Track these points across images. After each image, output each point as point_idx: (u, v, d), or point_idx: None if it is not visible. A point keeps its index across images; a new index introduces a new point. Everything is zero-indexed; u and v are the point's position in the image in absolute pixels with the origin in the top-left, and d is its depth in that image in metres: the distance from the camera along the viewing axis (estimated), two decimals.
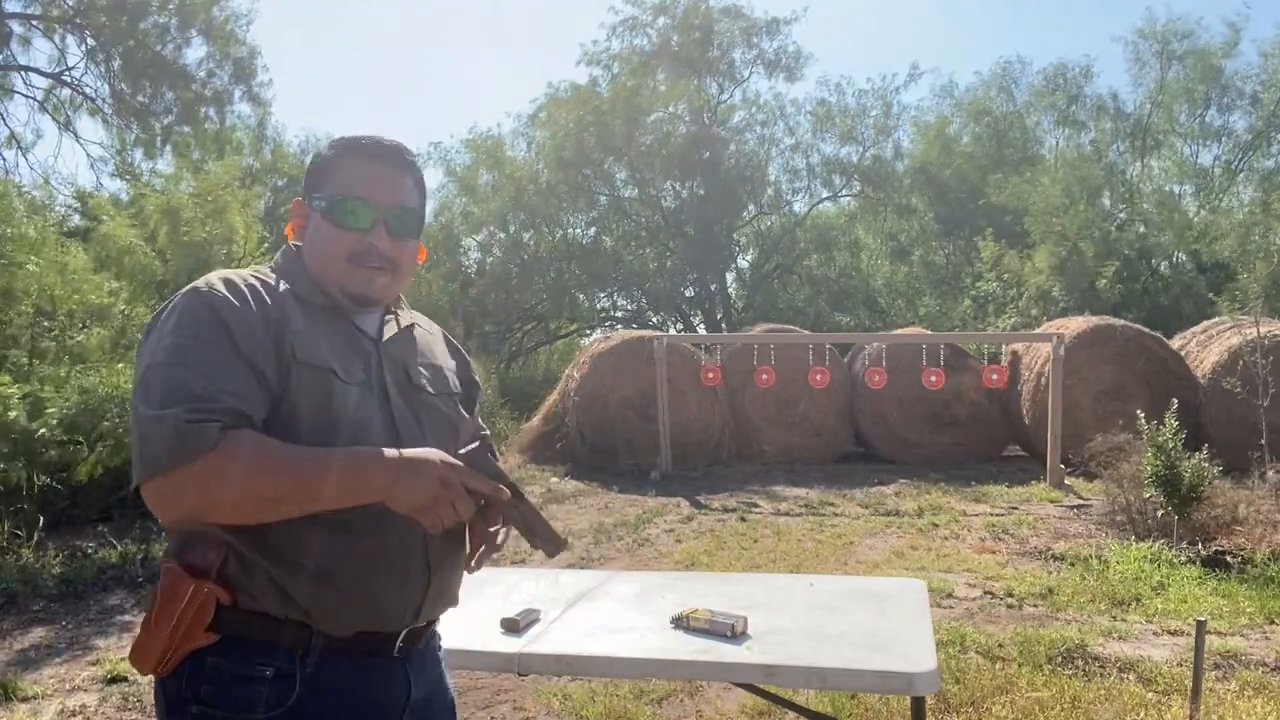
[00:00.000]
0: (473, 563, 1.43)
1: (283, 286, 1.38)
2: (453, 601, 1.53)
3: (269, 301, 1.32)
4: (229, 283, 1.31)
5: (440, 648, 1.60)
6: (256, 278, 1.36)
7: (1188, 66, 20.15)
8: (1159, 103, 20.64)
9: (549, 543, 1.40)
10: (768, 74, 22.77)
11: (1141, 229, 17.48)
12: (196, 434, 1.17)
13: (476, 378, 1.71)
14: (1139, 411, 6.35)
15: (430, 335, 1.61)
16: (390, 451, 1.26)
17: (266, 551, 1.29)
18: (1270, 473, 6.62)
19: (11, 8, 14.69)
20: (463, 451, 1.30)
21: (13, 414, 6.33)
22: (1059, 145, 22.95)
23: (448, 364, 1.60)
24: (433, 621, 1.51)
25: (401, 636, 1.41)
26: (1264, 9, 25.45)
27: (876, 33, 46.65)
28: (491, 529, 1.40)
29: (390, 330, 1.48)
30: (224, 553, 1.30)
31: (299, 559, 1.30)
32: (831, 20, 44.23)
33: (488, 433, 1.72)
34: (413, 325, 1.54)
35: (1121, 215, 18.02)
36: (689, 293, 22.83)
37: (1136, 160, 20.93)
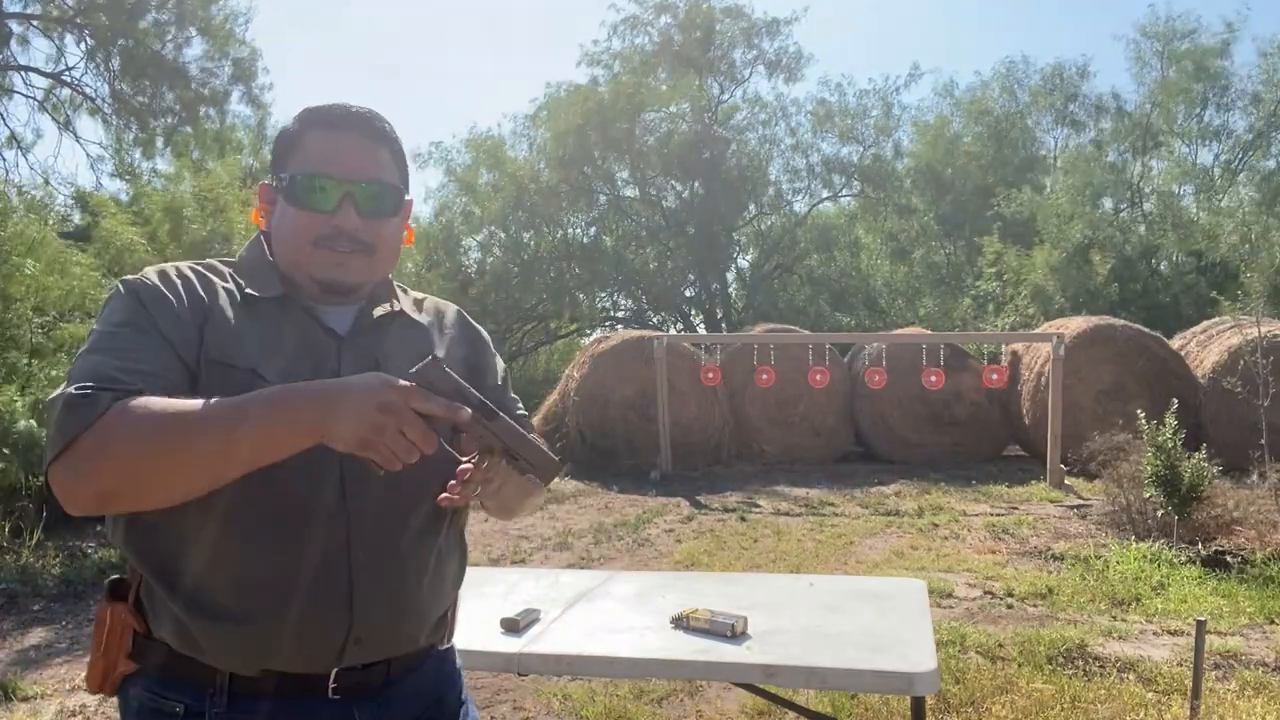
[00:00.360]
0: (443, 496, 1.16)
1: (227, 278, 1.28)
2: (410, 639, 1.31)
3: (201, 290, 1.23)
4: (161, 272, 1.23)
5: (448, 675, 1.42)
6: (196, 269, 1.27)
7: (1188, 66, 20.14)
8: (1158, 102, 20.64)
9: (539, 466, 1.17)
10: (768, 74, 22.83)
11: (1143, 229, 17.49)
12: (85, 403, 1.06)
13: (496, 362, 1.51)
14: (1139, 411, 6.35)
15: (428, 323, 1.42)
16: (314, 382, 1.10)
17: (161, 575, 1.18)
18: (1271, 473, 6.62)
19: (11, 8, 14.69)
20: (412, 371, 1.10)
21: (20, 424, 6.35)
22: (1057, 145, 23.01)
23: (452, 353, 1.40)
24: (391, 659, 1.29)
25: (334, 677, 1.23)
26: (1264, 8, 25.43)
27: (877, 33, 46.71)
28: (465, 459, 1.15)
29: (364, 323, 1.31)
30: (139, 575, 1.22)
31: (187, 586, 1.18)
32: (831, 20, 44.31)
33: (523, 411, 1.52)
34: (400, 313, 1.37)
35: (1124, 215, 18.03)
36: (689, 293, 22.84)
37: (1137, 160, 20.94)
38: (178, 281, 1.22)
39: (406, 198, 1.35)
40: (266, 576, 1.18)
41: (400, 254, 1.40)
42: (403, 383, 1.06)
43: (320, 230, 1.25)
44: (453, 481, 1.15)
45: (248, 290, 1.26)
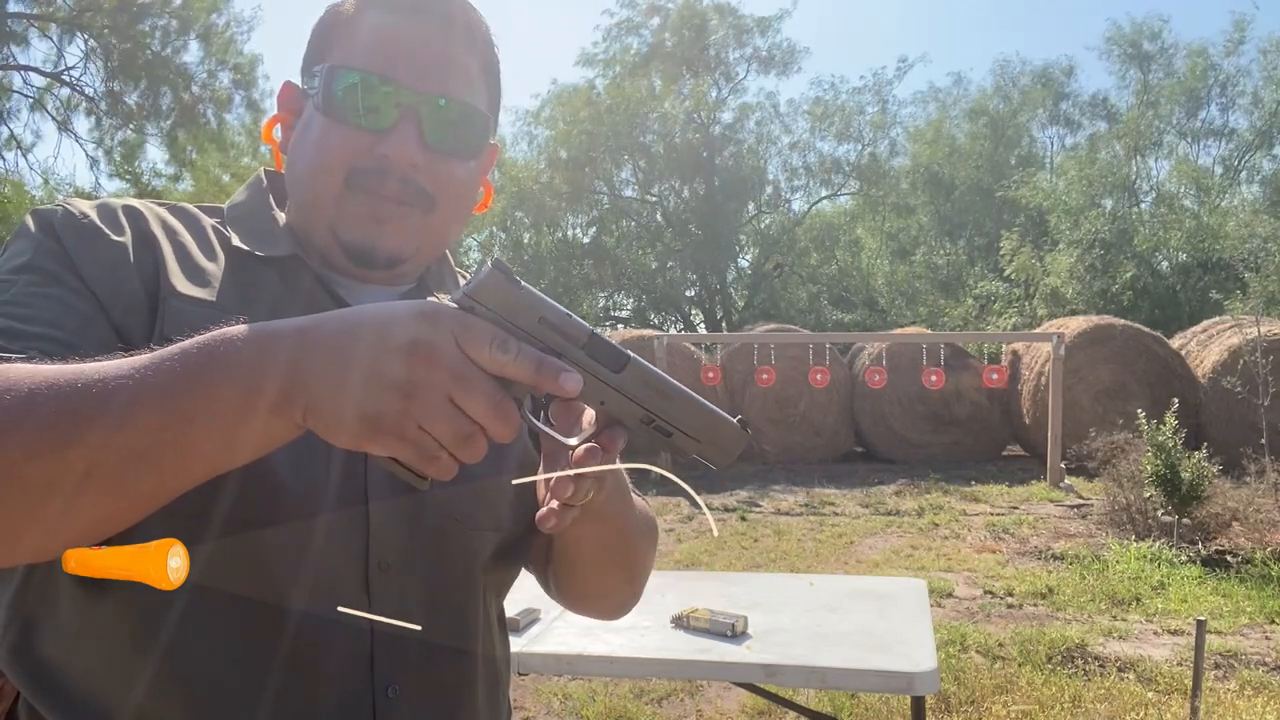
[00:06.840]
0: (543, 512, 0.69)
1: (207, 228, 0.86)
2: None
3: (163, 235, 0.81)
4: (101, 205, 0.81)
5: None
6: (158, 206, 0.86)
7: (1187, 66, 20.16)
8: (1157, 103, 20.66)
9: (712, 437, 0.69)
10: (763, 71, 22.89)
11: (1144, 230, 17.52)
12: None
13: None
14: (1139, 411, 6.35)
15: None
16: (283, 321, 0.61)
17: (53, 707, 0.73)
18: (1271, 473, 6.62)
19: (12, 8, 14.72)
20: (463, 288, 0.62)
21: None
22: (1053, 145, 23.05)
23: None
24: None
25: None
26: (1265, 8, 25.46)
27: (867, 34, 46.81)
28: (574, 440, 0.68)
29: None
30: (13, 696, 0.78)
31: None
32: (825, 20, 44.44)
33: None
34: None
35: (1122, 214, 18.06)
36: (689, 292, 22.87)
37: (1132, 160, 20.95)
38: (124, 219, 0.80)
39: (491, 141, 0.91)
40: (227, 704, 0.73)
41: (469, 219, 0.91)
42: (450, 307, 0.61)
43: (358, 159, 0.81)
44: (559, 479, 0.66)
45: (237, 244, 0.84)
